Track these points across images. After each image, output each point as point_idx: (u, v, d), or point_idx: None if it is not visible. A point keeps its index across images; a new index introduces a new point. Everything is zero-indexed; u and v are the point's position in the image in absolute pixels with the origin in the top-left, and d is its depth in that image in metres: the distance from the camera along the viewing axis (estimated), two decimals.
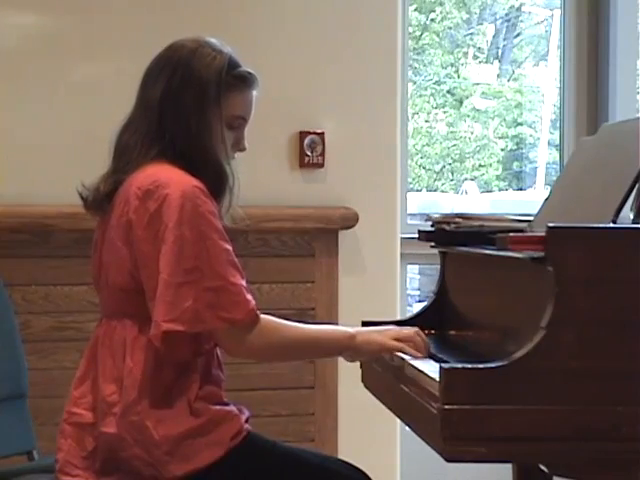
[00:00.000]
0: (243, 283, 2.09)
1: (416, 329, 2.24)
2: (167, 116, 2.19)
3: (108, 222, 2.21)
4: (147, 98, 2.22)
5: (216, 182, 2.19)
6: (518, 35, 5.32)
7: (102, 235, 2.24)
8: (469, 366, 1.81)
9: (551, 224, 1.86)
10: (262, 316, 2.11)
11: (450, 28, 5.22)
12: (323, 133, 3.60)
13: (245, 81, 2.24)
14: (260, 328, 2.10)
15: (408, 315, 2.72)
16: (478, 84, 5.25)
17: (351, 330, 2.22)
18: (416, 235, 2.63)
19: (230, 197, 2.25)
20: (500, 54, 5.50)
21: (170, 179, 2.12)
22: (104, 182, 2.23)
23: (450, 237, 2.48)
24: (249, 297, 2.09)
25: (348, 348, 2.22)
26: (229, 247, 2.10)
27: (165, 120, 2.19)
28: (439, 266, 2.67)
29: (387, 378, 2.27)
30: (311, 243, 3.57)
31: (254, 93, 2.26)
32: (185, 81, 2.19)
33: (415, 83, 4.92)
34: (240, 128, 2.27)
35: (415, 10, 5.00)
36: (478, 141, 5.22)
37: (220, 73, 2.20)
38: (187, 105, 2.19)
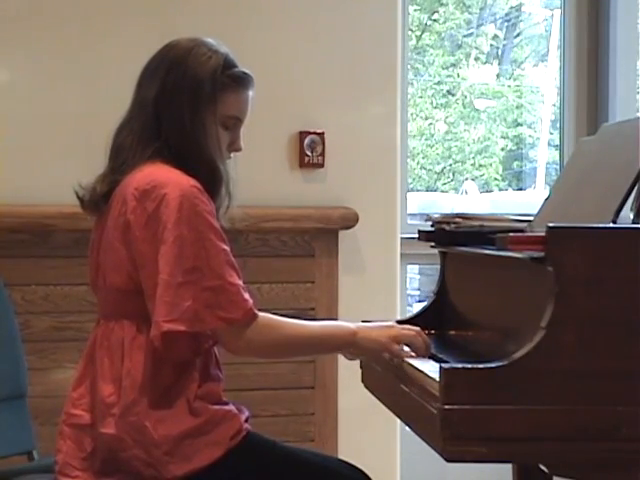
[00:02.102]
0: (240, 283, 2.09)
1: (418, 329, 2.24)
2: (162, 115, 2.19)
3: (105, 223, 2.20)
4: (142, 97, 2.22)
5: (211, 181, 2.19)
6: (518, 35, 5.32)
7: (99, 236, 2.24)
8: (469, 366, 1.81)
9: (551, 224, 1.86)
10: (261, 314, 2.12)
11: (451, 29, 5.22)
12: (323, 133, 3.60)
13: (240, 81, 2.23)
14: (259, 325, 2.10)
15: (408, 315, 2.72)
16: (478, 84, 5.25)
17: (352, 326, 2.21)
18: (416, 235, 2.63)
19: (229, 198, 2.25)
20: (500, 54, 5.50)
21: (168, 179, 2.12)
22: (100, 182, 2.22)
23: (450, 237, 2.48)
24: (247, 296, 2.09)
25: (349, 344, 2.21)
26: (227, 247, 2.11)
27: (160, 119, 2.19)
28: (439, 266, 2.67)
29: (387, 378, 2.27)
30: (311, 243, 3.57)
31: (250, 94, 2.26)
32: (179, 80, 2.19)
33: (415, 83, 4.91)
34: (235, 128, 2.26)
35: (416, 10, 4.99)
36: (478, 141, 5.22)
37: (215, 72, 2.19)
38: (181, 104, 2.18)
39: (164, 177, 2.12)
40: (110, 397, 2.12)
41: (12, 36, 3.39)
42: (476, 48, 5.29)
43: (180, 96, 2.18)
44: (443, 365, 1.81)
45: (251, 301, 2.10)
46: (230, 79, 2.22)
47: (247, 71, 2.25)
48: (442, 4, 5.22)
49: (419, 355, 2.18)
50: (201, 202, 2.09)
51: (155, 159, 2.18)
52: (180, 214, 2.07)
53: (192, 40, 2.24)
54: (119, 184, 2.18)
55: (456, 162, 5.23)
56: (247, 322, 2.09)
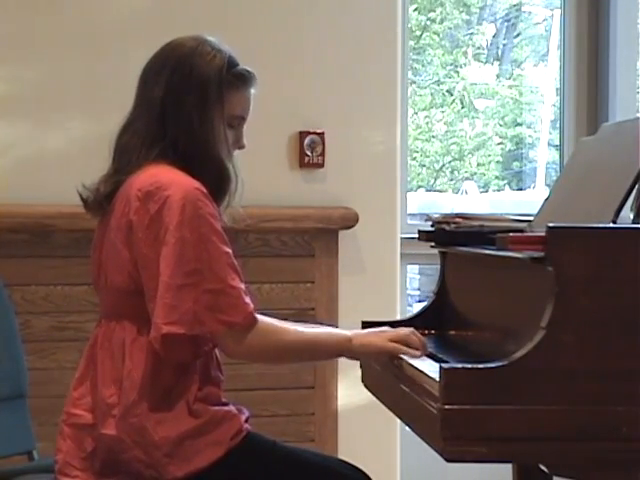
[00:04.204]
0: (242, 286, 2.09)
1: (411, 329, 2.24)
2: (168, 116, 2.19)
3: (108, 223, 2.20)
4: (147, 98, 2.22)
5: (218, 182, 2.19)
6: (518, 35, 5.31)
7: (102, 236, 2.24)
8: (469, 366, 1.81)
9: (551, 224, 1.86)
10: (260, 318, 2.11)
11: (450, 28, 5.21)
12: (323, 133, 3.60)
13: (244, 79, 2.24)
14: (258, 330, 2.10)
15: (408, 315, 2.72)
16: (478, 84, 5.24)
17: (348, 333, 2.22)
18: (416, 235, 2.63)
19: (229, 197, 2.25)
20: (500, 54, 5.49)
21: (171, 181, 2.12)
22: (104, 183, 2.22)
23: (450, 237, 2.48)
24: (247, 300, 2.09)
25: (346, 351, 2.22)
26: (229, 250, 2.10)
27: (166, 120, 2.19)
28: (439, 266, 2.67)
29: (387, 378, 2.27)
30: (311, 243, 3.57)
31: (252, 91, 2.27)
32: (186, 80, 2.19)
33: (415, 83, 4.92)
34: (239, 127, 2.27)
35: (415, 10, 4.99)
36: (477, 141, 5.22)
37: (221, 71, 2.20)
38: (189, 104, 2.18)
39: (168, 179, 2.12)
40: (111, 398, 2.12)
41: (13, 35, 3.39)
42: (475, 47, 5.29)
43: (188, 96, 2.18)
44: (443, 365, 1.81)
45: (252, 305, 2.09)
46: (235, 77, 2.22)
47: (249, 69, 2.26)
48: (441, 4, 5.22)
49: (416, 353, 2.18)
50: (204, 205, 2.09)
51: (160, 160, 2.18)
52: (182, 216, 2.06)
53: (195, 39, 2.24)
54: (123, 184, 2.18)
55: (455, 160, 5.23)
56: (247, 326, 2.09)
